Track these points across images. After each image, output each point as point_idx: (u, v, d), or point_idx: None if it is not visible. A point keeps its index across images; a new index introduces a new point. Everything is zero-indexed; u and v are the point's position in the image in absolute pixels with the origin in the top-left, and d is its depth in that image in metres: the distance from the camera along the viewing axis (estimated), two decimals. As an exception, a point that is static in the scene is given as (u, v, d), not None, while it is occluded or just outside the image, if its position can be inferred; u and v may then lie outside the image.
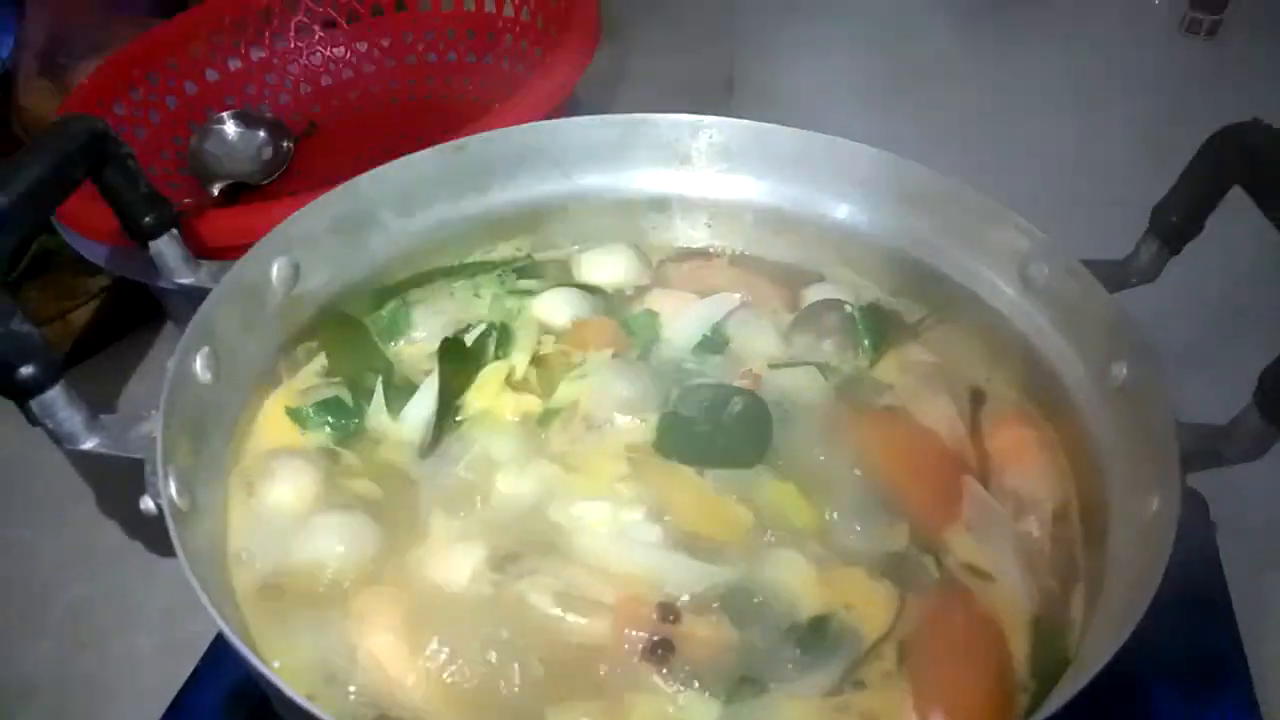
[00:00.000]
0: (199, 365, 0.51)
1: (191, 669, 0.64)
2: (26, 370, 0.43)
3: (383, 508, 0.54)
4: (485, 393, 0.60)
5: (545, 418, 0.59)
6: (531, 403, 0.60)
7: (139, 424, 0.47)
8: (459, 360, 0.60)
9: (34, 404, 0.44)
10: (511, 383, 0.61)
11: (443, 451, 0.57)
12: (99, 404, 0.83)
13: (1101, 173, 1.12)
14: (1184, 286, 0.58)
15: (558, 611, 0.49)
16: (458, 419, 0.59)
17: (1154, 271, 0.56)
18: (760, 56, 1.34)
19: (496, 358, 0.62)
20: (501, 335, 0.63)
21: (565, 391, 0.60)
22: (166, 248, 0.56)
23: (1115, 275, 0.56)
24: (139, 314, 0.97)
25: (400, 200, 0.64)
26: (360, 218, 0.63)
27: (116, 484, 0.46)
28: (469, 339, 0.62)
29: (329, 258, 0.61)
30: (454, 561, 0.52)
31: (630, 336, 0.64)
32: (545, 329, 0.65)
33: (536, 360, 0.62)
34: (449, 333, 0.63)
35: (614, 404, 0.59)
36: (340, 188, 0.61)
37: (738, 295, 0.66)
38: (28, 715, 0.71)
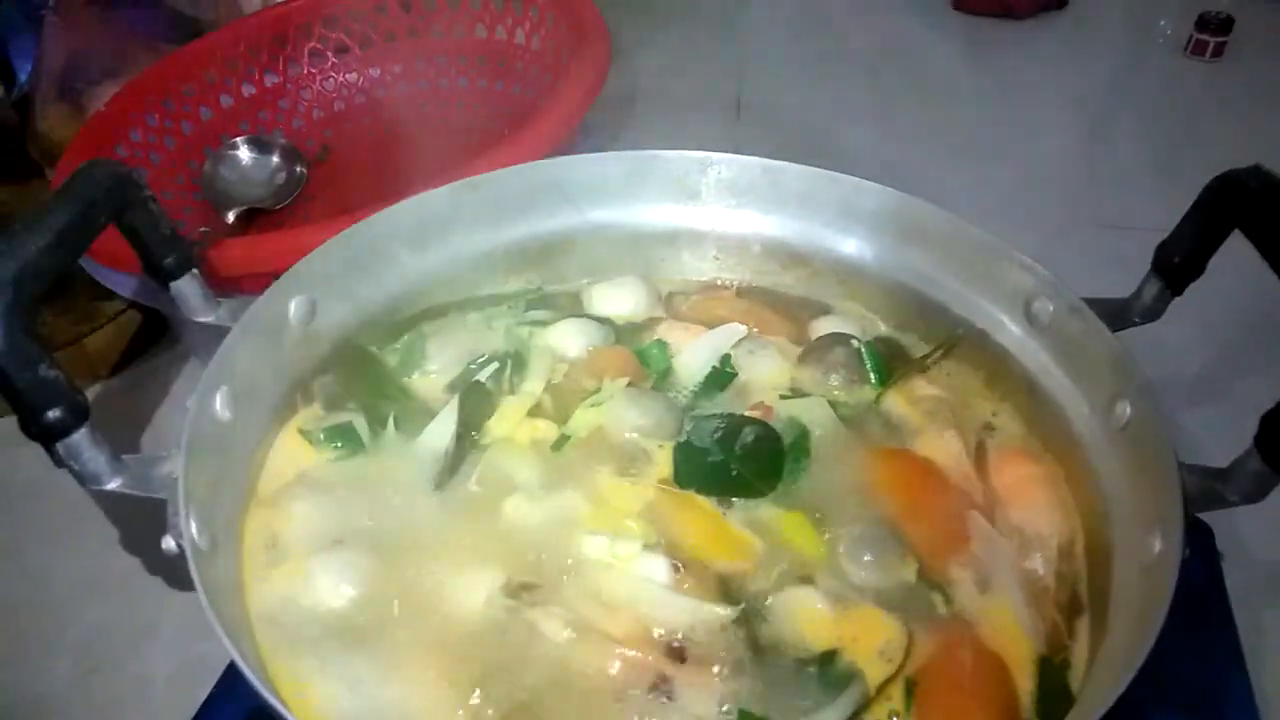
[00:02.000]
0: (219, 404, 0.52)
1: (206, 692, 0.65)
2: (53, 414, 0.44)
3: (395, 539, 0.55)
4: (505, 424, 0.61)
5: (559, 443, 0.60)
6: (547, 428, 0.61)
7: (160, 464, 0.48)
8: (478, 400, 0.61)
9: (60, 447, 0.45)
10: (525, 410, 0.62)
11: (455, 480, 0.58)
12: (117, 429, 0.84)
13: (1106, 195, 1.12)
14: (1189, 324, 0.59)
15: (567, 643, 0.50)
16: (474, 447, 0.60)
17: (1157, 311, 0.57)
18: (767, 77, 1.35)
19: (510, 385, 0.63)
20: (516, 363, 0.64)
21: (581, 418, 0.61)
22: (187, 287, 0.57)
23: (1118, 314, 0.57)
24: (155, 336, 0.98)
25: (414, 236, 0.65)
26: (375, 254, 0.64)
27: (138, 521, 0.47)
28: (484, 375, 0.63)
29: (345, 294, 0.62)
30: (467, 591, 0.52)
31: (644, 367, 0.66)
32: (559, 358, 0.66)
33: (550, 388, 0.63)
34: (463, 364, 0.64)
35: (629, 432, 0.60)
36: (355, 225, 0.62)
37: (743, 326, 0.67)
38: (44, 738, 0.72)
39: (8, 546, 0.83)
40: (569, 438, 0.60)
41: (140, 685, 0.74)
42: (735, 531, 0.56)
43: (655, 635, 0.50)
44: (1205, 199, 0.53)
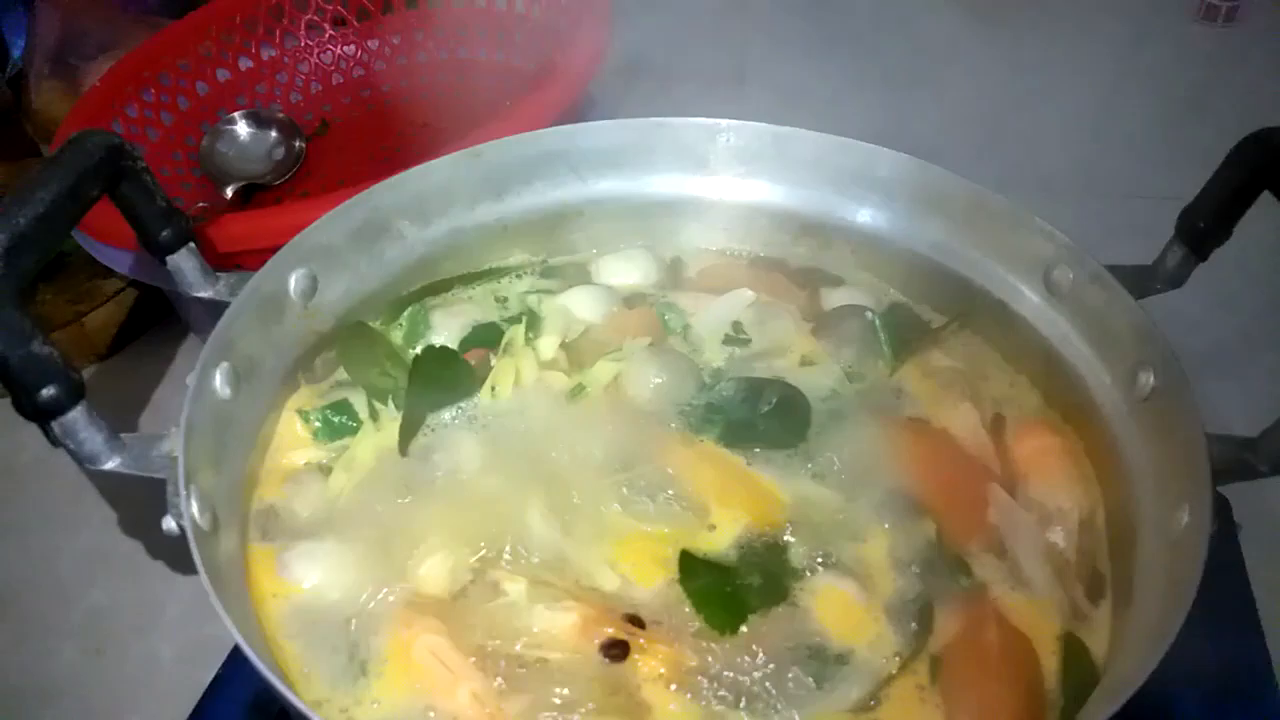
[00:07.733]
0: (219, 381, 0.51)
1: (211, 674, 0.64)
2: (48, 392, 0.42)
3: (395, 513, 0.54)
4: (506, 378, 0.60)
5: (575, 392, 0.60)
6: (558, 379, 0.61)
7: (159, 443, 0.47)
8: (437, 362, 0.60)
9: (55, 425, 0.44)
10: (540, 363, 0.62)
11: (439, 446, 0.57)
12: (117, 409, 0.83)
13: (1118, 163, 1.10)
14: (1213, 292, 0.58)
15: (529, 603, 0.50)
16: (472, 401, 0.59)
17: (1180, 277, 0.55)
18: (772, 47, 1.33)
19: (526, 340, 0.63)
20: (530, 320, 0.64)
21: (601, 369, 0.61)
22: (184, 261, 0.55)
23: (1141, 281, 0.56)
24: (155, 314, 0.97)
25: (416, 208, 0.63)
26: (377, 227, 0.62)
27: (137, 502, 0.46)
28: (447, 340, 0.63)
29: (346, 268, 0.61)
30: (440, 558, 0.52)
31: (665, 329, 0.65)
32: (575, 320, 0.65)
33: (566, 345, 0.63)
34: (467, 334, 0.63)
35: (649, 389, 0.60)
36: (356, 197, 0.60)
37: (751, 292, 0.65)
38: (48, 720, 0.72)
39: (11, 528, 0.82)
40: (585, 388, 0.60)
41: (146, 667, 0.73)
42: (762, 482, 0.55)
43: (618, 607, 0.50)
44: (1233, 159, 0.51)
